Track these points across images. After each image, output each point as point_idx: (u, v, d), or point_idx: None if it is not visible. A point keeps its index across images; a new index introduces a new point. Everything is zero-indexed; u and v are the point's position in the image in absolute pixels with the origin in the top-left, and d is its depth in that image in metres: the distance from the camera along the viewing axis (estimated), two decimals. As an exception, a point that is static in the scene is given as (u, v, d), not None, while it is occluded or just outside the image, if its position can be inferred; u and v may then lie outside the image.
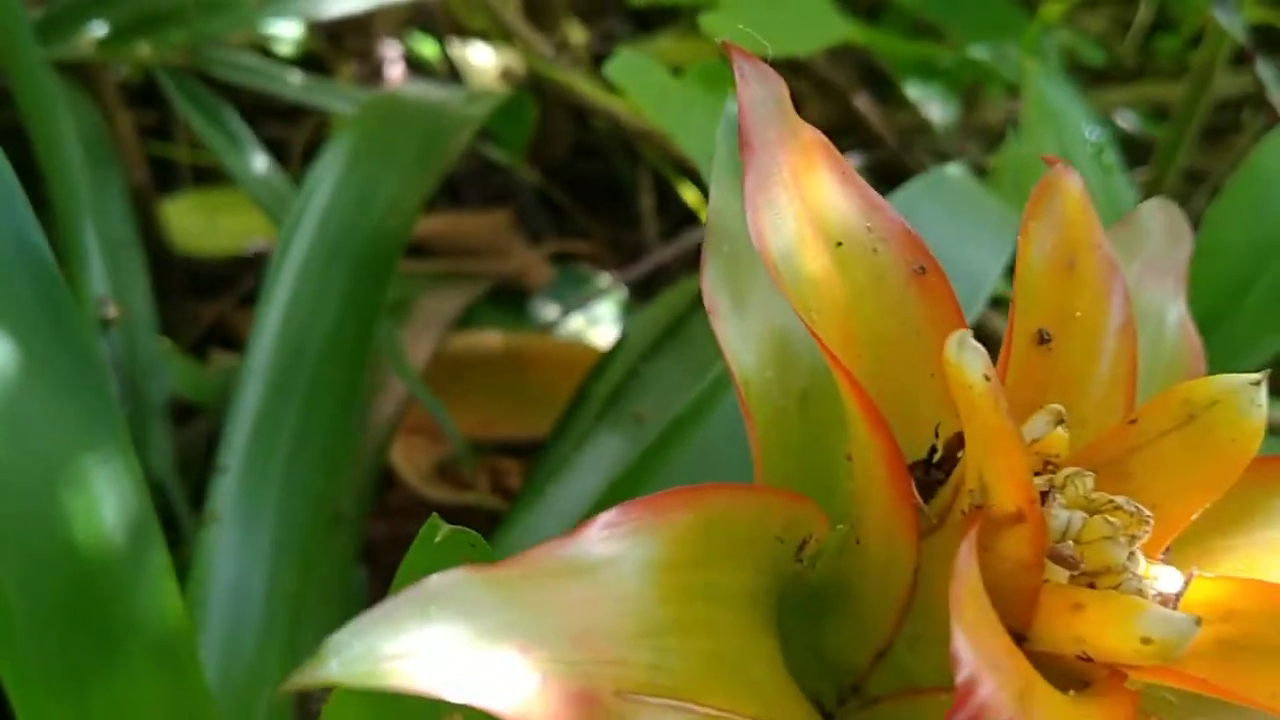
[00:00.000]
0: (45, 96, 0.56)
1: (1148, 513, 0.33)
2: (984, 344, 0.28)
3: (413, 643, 0.23)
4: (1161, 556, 0.34)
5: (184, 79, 0.75)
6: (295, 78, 0.77)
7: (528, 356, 0.90)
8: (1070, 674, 0.31)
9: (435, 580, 0.24)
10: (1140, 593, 0.31)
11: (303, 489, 0.56)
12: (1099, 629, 0.30)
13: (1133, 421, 0.35)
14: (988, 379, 0.28)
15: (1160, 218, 0.43)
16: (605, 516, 0.27)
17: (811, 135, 0.33)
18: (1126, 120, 1.07)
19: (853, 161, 0.57)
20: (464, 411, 0.84)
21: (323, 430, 0.57)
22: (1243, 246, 0.72)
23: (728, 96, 0.35)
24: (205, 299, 0.95)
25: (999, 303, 0.65)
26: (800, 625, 0.34)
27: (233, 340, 0.90)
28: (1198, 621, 0.29)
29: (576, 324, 0.96)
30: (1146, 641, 0.29)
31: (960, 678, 0.24)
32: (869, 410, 0.31)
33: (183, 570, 0.51)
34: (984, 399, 0.28)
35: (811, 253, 0.32)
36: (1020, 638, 0.32)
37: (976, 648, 0.24)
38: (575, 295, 0.97)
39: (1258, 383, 0.34)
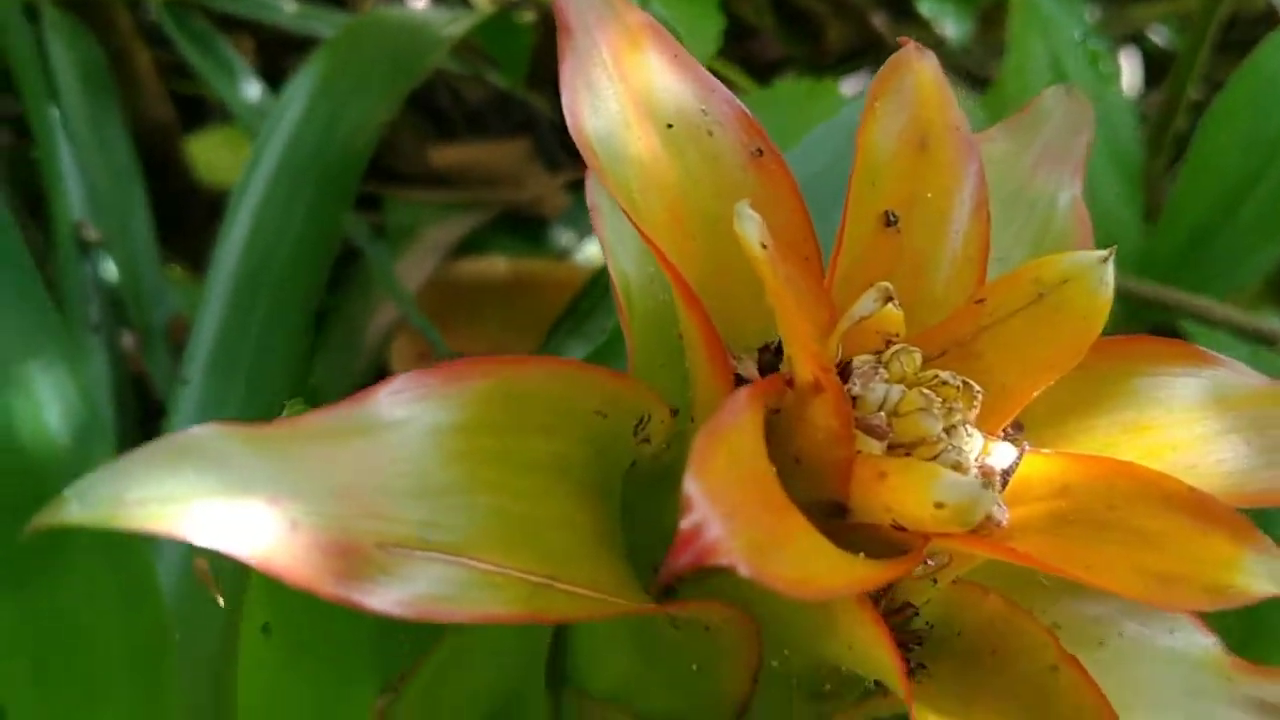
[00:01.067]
0: (17, 28, 0.58)
1: (977, 388, 0.33)
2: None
3: (158, 489, 0.24)
4: (1003, 434, 0.34)
5: (183, 10, 0.76)
6: (290, 6, 0.78)
7: (536, 282, 0.91)
8: (895, 546, 0.32)
9: (193, 432, 0.25)
10: (959, 465, 0.31)
11: (265, 403, 0.58)
12: (901, 495, 0.30)
13: (980, 301, 0.34)
14: (765, 247, 0.28)
15: (1062, 105, 0.42)
16: (393, 382, 0.28)
17: (638, 18, 0.33)
18: (1160, 35, 1.04)
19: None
20: (472, 336, 0.86)
21: (285, 343, 0.59)
22: (1241, 147, 0.70)
23: None
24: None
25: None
26: (647, 504, 0.35)
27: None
28: (985, 485, 0.29)
29: (592, 250, 0.97)
30: (940, 506, 0.29)
31: (686, 521, 0.24)
32: (683, 287, 0.31)
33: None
34: (765, 267, 0.28)
35: (636, 134, 0.32)
36: (841, 509, 0.32)
37: (713, 493, 0.25)
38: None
39: (1106, 259, 0.34)
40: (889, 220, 0.35)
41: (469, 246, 0.92)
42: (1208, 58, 0.81)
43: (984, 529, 0.32)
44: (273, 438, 0.26)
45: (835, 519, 0.32)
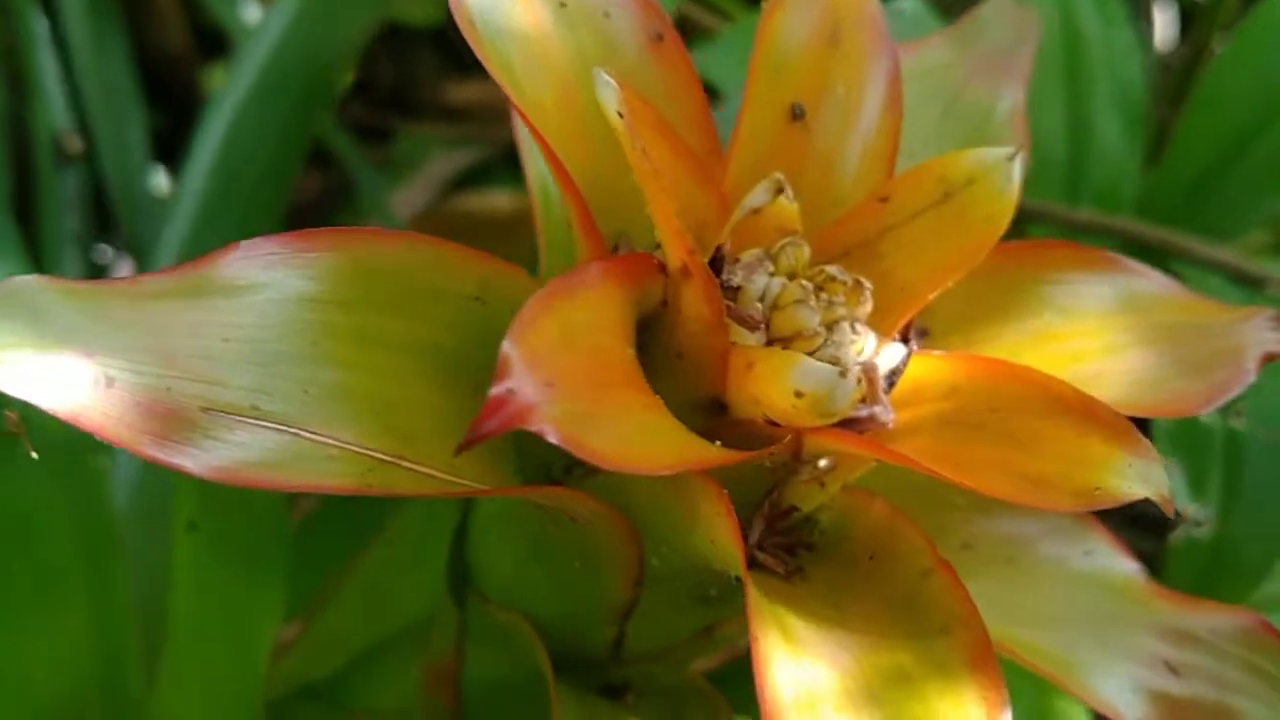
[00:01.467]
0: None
1: (867, 285, 0.31)
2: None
3: (-33, 336, 0.24)
4: (900, 336, 0.33)
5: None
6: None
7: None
8: (772, 442, 0.31)
9: (15, 281, 0.25)
10: (837, 361, 0.30)
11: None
12: (764, 385, 0.29)
13: (884, 199, 0.33)
14: (621, 115, 0.27)
15: (1006, 15, 0.41)
16: (239, 247, 0.27)
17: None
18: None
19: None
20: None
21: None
22: (1248, 96, 0.68)
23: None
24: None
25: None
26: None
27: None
28: (842, 374, 0.28)
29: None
30: (799, 395, 0.28)
31: (498, 386, 0.23)
32: (558, 168, 0.30)
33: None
34: (624, 138, 0.27)
35: (522, 8, 0.32)
36: (722, 405, 0.31)
37: (533, 359, 0.24)
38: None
39: (1012, 156, 0.33)
40: (796, 113, 0.34)
41: (474, 180, 0.91)
42: (1235, 8, 0.78)
43: (865, 427, 0.31)
44: (98, 293, 0.26)
45: (717, 415, 0.31)
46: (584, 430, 0.24)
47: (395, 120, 0.96)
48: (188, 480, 0.47)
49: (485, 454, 0.31)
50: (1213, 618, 0.37)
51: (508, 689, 0.40)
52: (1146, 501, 0.28)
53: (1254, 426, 0.51)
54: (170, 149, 0.76)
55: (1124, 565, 0.37)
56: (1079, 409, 0.29)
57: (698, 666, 0.39)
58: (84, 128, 0.68)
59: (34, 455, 0.50)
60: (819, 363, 0.28)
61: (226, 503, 0.45)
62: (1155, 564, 0.50)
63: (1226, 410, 0.49)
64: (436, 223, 0.84)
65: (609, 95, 0.27)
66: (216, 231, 0.58)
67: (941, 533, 0.35)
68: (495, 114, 1.01)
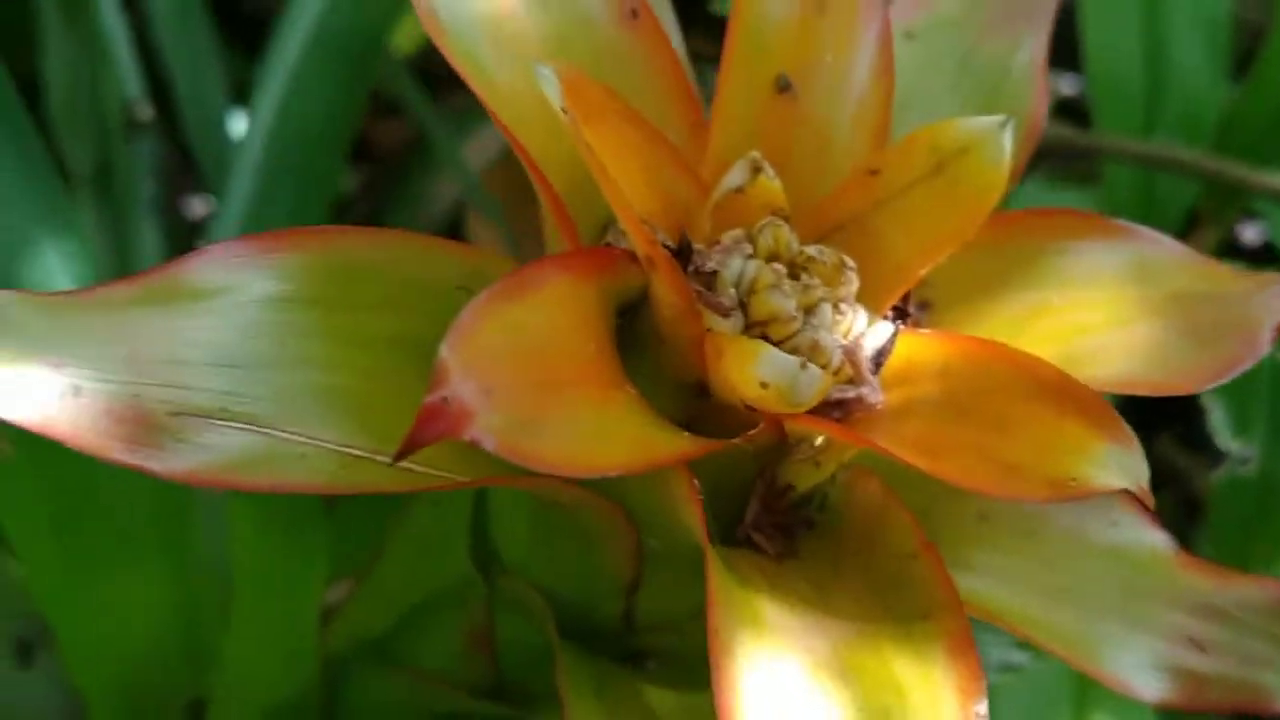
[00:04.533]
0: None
1: (850, 264, 0.31)
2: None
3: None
4: (894, 313, 0.32)
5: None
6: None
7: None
8: (753, 426, 0.31)
9: (-14, 298, 0.26)
10: (815, 345, 0.30)
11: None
12: (734, 374, 0.29)
13: (875, 172, 0.32)
14: (566, 111, 0.27)
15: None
16: (206, 251, 0.28)
17: None
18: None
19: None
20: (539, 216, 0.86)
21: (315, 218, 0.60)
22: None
23: None
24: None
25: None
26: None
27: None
28: (803, 365, 0.28)
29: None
30: (765, 385, 0.28)
31: (432, 395, 0.24)
32: (528, 161, 0.30)
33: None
34: (572, 131, 0.27)
35: (488, -9, 0.31)
36: (703, 391, 0.31)
37: (471, 366, 0.24)
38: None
39: (1005, 124, 0.31)
40: (781, 85, 0.33)
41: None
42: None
43: (852, 409, 0.31)
44: (68, 304, 0.27)
45: (703, 398, 0.31)
46: (524, 436, 0.24)
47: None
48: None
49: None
50: (1242, 591, 0.35)
51: (535, 651, 0.41)
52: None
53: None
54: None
55: (1151, 537, 0.36)
56: (1059, 392, 0.28)
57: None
58: (159, 86, 0.69)
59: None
60: (781, 354, 0.28)
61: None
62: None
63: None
64: (509, 171, 0.84)
65: (552, 91, 0.27)
66: (282, 181, 0.60)
67: (958, 504, 0.35)
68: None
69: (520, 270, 0.26)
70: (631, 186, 0.29)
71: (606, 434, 0.26)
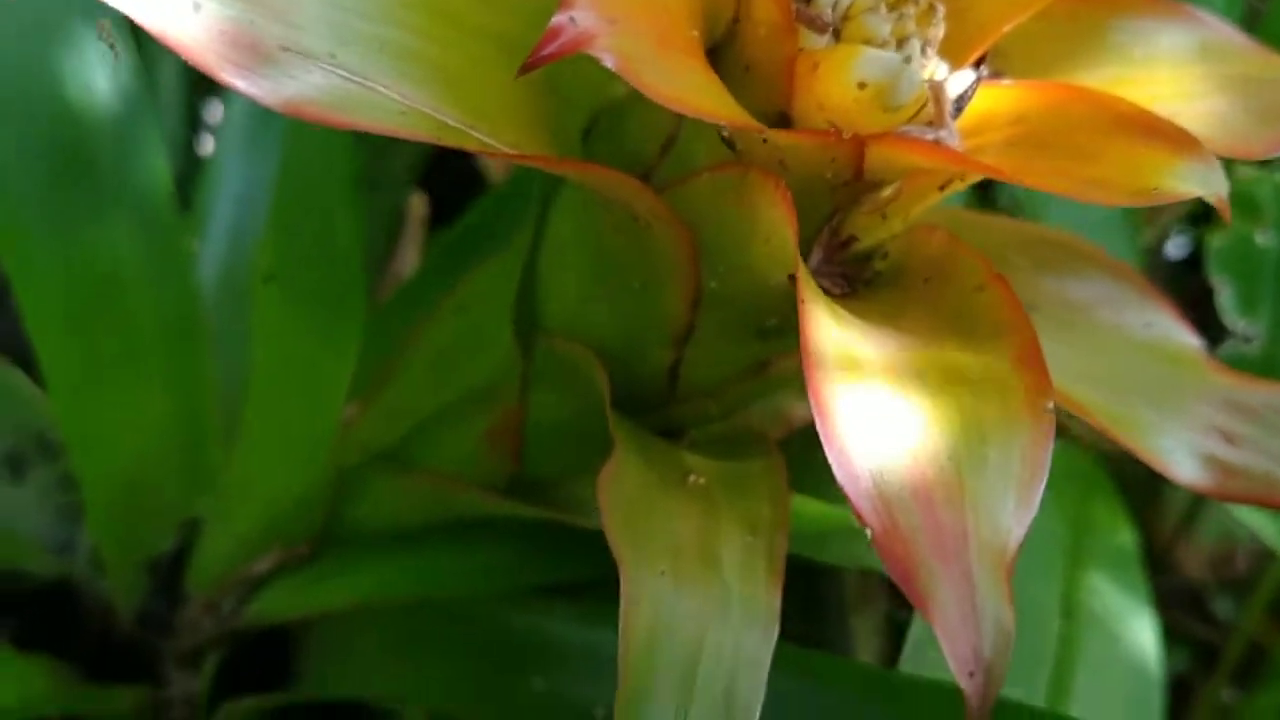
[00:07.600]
0: None
1: (940, 7, 0.32)
2: None
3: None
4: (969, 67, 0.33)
5: None
6: None
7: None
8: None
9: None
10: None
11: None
12: (828, 83, 0.29)
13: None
14: None
15: None
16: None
17: None
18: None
19: None
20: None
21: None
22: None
23: None
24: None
25: None
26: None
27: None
28: (907, 59, 0.29)
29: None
30: (862, 86, 0.29)
31: (560, 15, 0.24)
32: None
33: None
34: None
35: None
36: (788, 120, 0.31)
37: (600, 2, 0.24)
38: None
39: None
40: None
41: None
42: None
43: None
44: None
45: (781, 129, 0.32)
46: (642, 67, 0.25)
47: None
48: (268, 233, 0.49)
49: (536, 132, 0.31)
50: (1268, 393, 0.36)
51: (569, 433, 0.41)
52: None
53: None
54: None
55: (1185, 338, 0.37)
56: (1143, 125, 0.29)
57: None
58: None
59: (123, 214, 0.51)
60: (882, 51, 0.29)
61: (305, 253, 0.46)
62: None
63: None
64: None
65: None
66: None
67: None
68: None
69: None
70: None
71: (711, 92, 0.27)
